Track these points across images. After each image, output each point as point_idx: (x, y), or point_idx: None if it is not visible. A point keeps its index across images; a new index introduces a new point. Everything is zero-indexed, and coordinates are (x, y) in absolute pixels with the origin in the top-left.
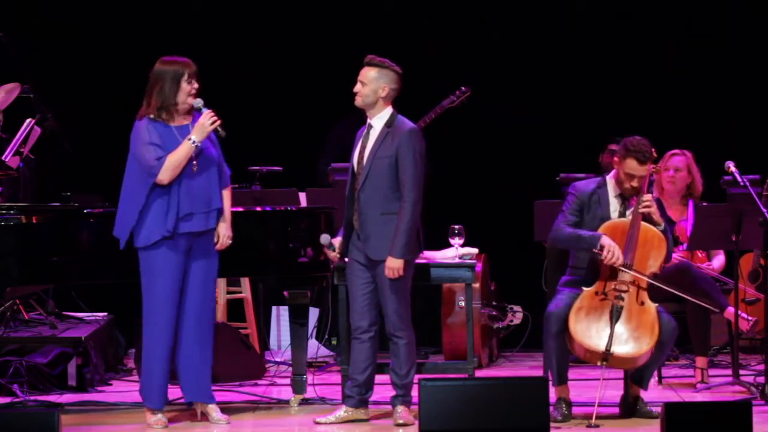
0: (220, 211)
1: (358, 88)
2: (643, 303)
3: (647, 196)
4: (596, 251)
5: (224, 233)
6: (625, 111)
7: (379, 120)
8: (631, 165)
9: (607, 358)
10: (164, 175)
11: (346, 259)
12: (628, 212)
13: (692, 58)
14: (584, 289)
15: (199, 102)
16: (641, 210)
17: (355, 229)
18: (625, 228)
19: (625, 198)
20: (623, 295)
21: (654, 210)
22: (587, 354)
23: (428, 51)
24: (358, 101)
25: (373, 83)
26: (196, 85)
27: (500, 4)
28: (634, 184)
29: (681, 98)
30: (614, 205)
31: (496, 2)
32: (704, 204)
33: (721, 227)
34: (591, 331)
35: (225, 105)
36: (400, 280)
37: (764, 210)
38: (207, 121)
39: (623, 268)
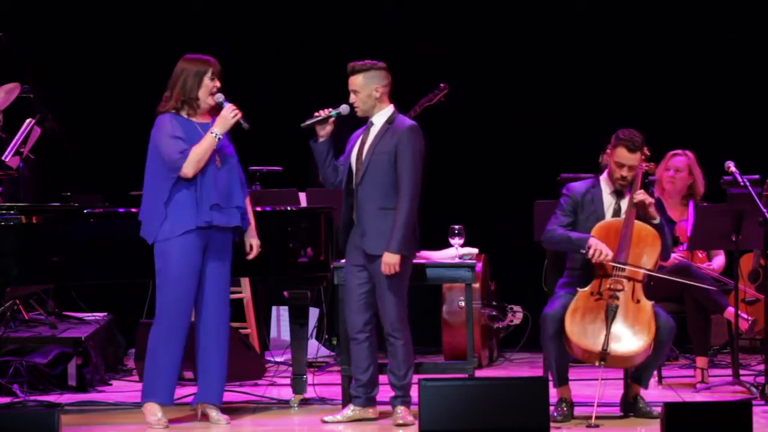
0: (242, 213)
1: (353, 98)
2: (638, 301)
3: (640, 191)
4: (584, 252)
5: (256, 243)
6: (626, 111)
7: (380, 117)
8: (621, 153)
9: (604, 357)
10: (188, 169)
11: (343, 261)
12: (623, 211)
13: (693, 58)
14: (579, 290)
15: (220, 97)
16: (635, 199)
17: (353, 225)
18: (619, 227)
19: (620, 195)
20: (618, 294)
21: (649, 200)
22: (585, 354)
23: (428, 51)
24: (359, 112)
25: (365, 89)
26: (218, 84)
27: (501, 3)
28: (624, 173)
29: (682, 98)
30: (608, 203)
31: (497, 1)
32: (704, 204)
33: (721, 227)
34: (587, 332)
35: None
36: (397, 279)
37: (764, 210)
38: (229, 114)
39: (617, 264)
